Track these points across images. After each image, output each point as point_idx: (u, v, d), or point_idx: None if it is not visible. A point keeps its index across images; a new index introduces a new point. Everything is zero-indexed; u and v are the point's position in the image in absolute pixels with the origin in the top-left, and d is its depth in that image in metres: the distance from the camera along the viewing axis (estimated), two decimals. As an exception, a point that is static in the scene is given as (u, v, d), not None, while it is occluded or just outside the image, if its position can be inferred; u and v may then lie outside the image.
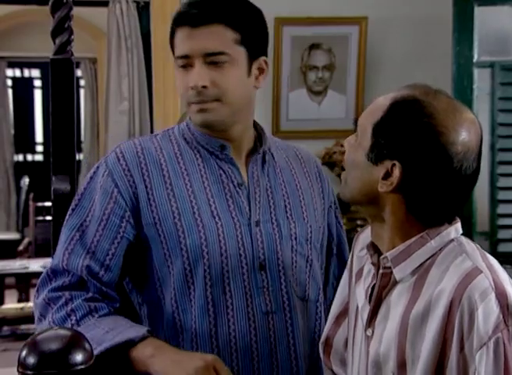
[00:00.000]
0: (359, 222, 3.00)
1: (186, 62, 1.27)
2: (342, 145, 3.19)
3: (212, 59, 1.26)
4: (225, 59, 1.26)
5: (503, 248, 3.08)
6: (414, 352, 1.04)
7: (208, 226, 1.27)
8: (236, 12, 1.27)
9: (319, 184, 1.43)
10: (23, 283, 4.95)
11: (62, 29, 1.52)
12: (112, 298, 1.27)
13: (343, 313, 1.26)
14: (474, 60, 2.99)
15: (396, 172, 1.05)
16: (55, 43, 1.53)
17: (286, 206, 1.35)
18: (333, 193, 1.45)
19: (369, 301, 1.13)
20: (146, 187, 1.27)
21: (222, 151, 1.32)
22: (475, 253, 1.07)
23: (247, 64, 1.28)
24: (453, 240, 1.09)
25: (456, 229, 1.10)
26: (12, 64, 7.14)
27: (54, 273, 1.29)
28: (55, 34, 1.52)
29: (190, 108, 1.30)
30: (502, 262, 1.10)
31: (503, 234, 3.11)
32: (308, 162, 1.44)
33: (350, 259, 1.26)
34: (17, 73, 7.39)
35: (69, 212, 1.30)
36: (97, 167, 1.32)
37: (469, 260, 1.05)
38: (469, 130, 1.06)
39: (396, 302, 1.08)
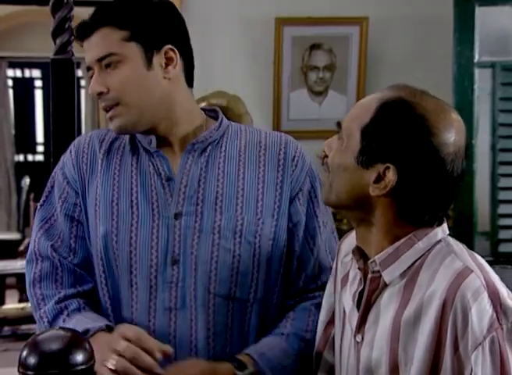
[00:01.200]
0: (360, 222, 3.00)
1: (92, 73, 1.28)
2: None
3: (105, 63, 1.25)
4: (116, 59, 1.25)
5: (503, 248, 3.07)
6: (407, 356, 1.04)
7: (122, 215, 1.28)
8: (117, 11, 1.26)
9: (279, 173, 1.32)
10: (24, 283, 4.94)
11: (62, 29, 1.52)
12: (85, 279, 1.32)
13: (332, 321, 1.25)
14: (475, 60, 2.98)
15: (390, 175, 1.04)
16: (55, 43, 1.53)
17: (217, 198, 1.28)
18: (310, 181, 1.36)
19: (357, 307, 1.12)
20: (85, 178, 1.34)
21: (151, 146, 1.32)
22: (463, 253, 1.07)
23: (145, 58, 1.26)
24: (440, 240, 1.08)
25: (442, 229, 1.10)
26: (13, 64, 7.14)
27: (30, 257, 1.36)
28: (55, 35, 1.52)
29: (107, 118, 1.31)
30: (502, 263, 1.10)
31: (503, 235, 3.11)
32: (271, 149, 1.34)
33: (334, 266, 1.25)
34: (18, 73, 7.39)
35: (40, 203, 1.41)
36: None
37: (458, 260, 1.04)
38: (458, 129, 1.06)
39: (387, 306, 1.07)
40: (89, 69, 1.28)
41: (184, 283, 1.25)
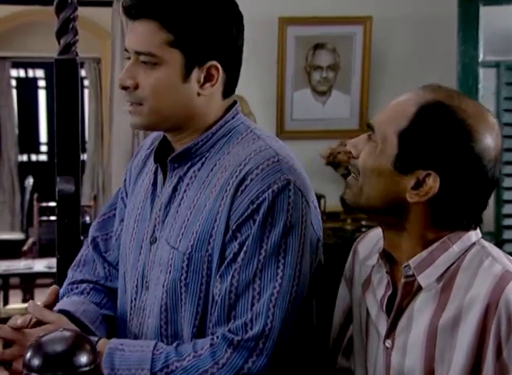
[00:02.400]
0: (364, 222, 2.99)
1: (128, 55, 1.18)
2: (346, 145, 3.18)
3: (142, 59, 1.15)
4: (153, 61, 1.14)
5: (508, 248, 3.06)
6: (444, 362, 1.02)
7: (127, 231, 1.28)
8: (172, 11, 1.14)
9: (222, 200, 1.14)
10: (28, 283, 4.95)
11: (66, 29, 1.51)
12: (112, 276, 1.33)
13: (347, 323, 1.24)
14: (480, 60, 2.97)
15: (430, 182, 1.02)
16: (59, 43, 1.52)
17: (172, 225, 1.19)
18: (263, 212, 1.12)
19: (386, 312, 1.10)
20: (130, 181, 1.34)
21: (153, 160, 1.26)
22: (501, 256, 1.06)
23: (183, 68, 1.15)
24: (474, 243, 1.07)
25: (476, 232, 1.08)
26: (17, 64, 7.13)
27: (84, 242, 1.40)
28: (59, 35, 1.52)
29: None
30: (508, 263, 1.11)
31: (508, 235, 3.10)
32: (232, 172, 1.15)
33: (349, 269, 1.23)
34: (21, 73, 7.38)
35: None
36: None
37: (497, 263, 1.03)
38: (497, 133, 1.05)
39: (421, 311, 1.05)
40: (126, 50, 1.19)
41: (150, 311, 1.21)
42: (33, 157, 7.54)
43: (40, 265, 4.55)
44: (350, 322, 1.23)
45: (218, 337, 1.11)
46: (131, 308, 1.25)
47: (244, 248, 1.11)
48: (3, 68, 6.88)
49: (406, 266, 1.07)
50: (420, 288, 1.06)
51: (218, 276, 1.13)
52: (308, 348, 1.25)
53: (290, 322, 1.12)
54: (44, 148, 7.53)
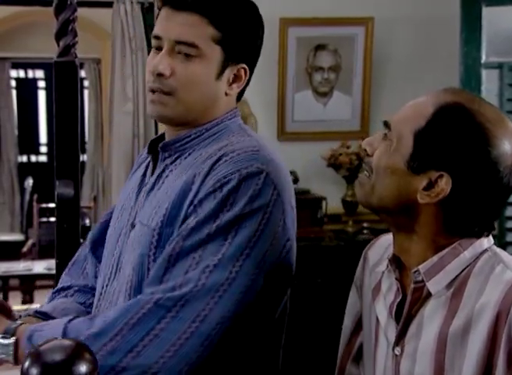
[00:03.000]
0: (365, 224, 2.97)
1: (158, 43, 1.18)
2: (348, 147, 3.19)
3: (181, 49, 1.16)
4: (194, 53, 1.16)
5: (511, 250, 3.05)
6: (454, 370, 1.00)
7: (114, 219, 1.29)
8: (224, 10, 1.18)
9: (197, 177, 1.16)
10: (27, 285, 4.93)
11: (66, 31, 1.50)
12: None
13: (357, 330, 1.22)
14: (482, 61, 2.95)
15: (443, 183, 1.01)
16: (58, 45, 1.51)
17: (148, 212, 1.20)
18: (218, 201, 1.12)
19: (395, 318, 1.08)
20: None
21: (145, 150, 1.29)
22: None
23: (220, 66, 1.18)
24: (486, 250, 1.05)
25: (488, 239, 1.06)
26: (16, 65, 7.12)
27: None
28: (59, 37, 1.50)
29: (148, 96, 1.21)
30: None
31: (511, 237, 3.08)
32: (211, 154, 1.18)
33: (359, 275, 1.21)
34: (21, 73, 7.37)
35: None
36: None
37: (509, 270, 1.01)
38: None
39: (430, 318, 1.03)
40: (157, 38, 1.18)
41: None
42: (33, 158, 7.53)
43: (40, 266, 4.54)
44: (360, 329, 1.21)
45: (137, 298, 1.08)
46: (101, 294, 1.23)
47: (197, 219, 1.10)
48: (3, 68, 6.87)
49: (415, 272, 1.05)
50: (429, 295, 1.04)
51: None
52: (267, 363, 1.21)
53: (226, 307, 1.07)
54: (43, 149, 7.51)
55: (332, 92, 3.13)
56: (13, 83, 7.17)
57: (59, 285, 1.36)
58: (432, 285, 1.04)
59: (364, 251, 1.23)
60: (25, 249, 5.39)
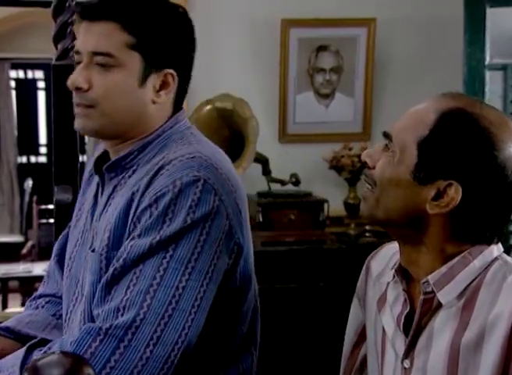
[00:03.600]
0: (368, 227, 2.94)
1: (79, 58, 1.16)
2: (350, 149, 3.17)
3: (98, 60, 1.13)
4: (112, 62, 1.13)
5: (514, 253, 3.02)
6: None
7: (70, 243, 1.27)
8: (135, 14, 1.14)
9: (136, 195, 1.13)
10: (27, 287, 4.91)
11: (64, 34, 1.47)
12: None
13: (359, 343, 1.20)
14: (486, 62, 2.92)
15: (452, 192, 0.98)
16: (56, 48, 1.48)
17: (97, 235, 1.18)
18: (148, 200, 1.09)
19: (403, 330, 1.05)
20: (80, 195, 1.35)
21: (91, 168, 1.27)
22: None
23: (142, 73, 1.14)
24: (496, 258, 1.02)
25: (497, 247, 1.04)
26: (16, 65, 7.10)
27: None
28: (57, 39, 1.48)
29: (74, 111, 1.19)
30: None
31: (515, 240, 3.06)
32: (148, 170, 1.14)
33: (361, 285, 1.19)
34: (21, 74, 7.34)
35: None
36: None
37: None
38: None
39: (441, 329, 1.01)
40: (78, 53, 1.17)
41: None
42: (33, 159, 7.50)
43: (40, 268, 4.52)
44: (362, 341, 1.19)
45: (88, 327, 1.04)
46: (65, 321, 1.21)
47: (136, 234, 1.07)
48: (2, 69, 6.84)
49: (425, 282, 1.02)
50: (440, 306, 1.02)
51: None
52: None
53: (179, 325, 1.03)
54: (43, 150, 7.48)
55: (334, 94, 3.11)
56: (13, 83, 7.15)
57: (33, 295, 1.36)
58: (443, 296, 1.01)
59: (366, 262, 1.20)
60: (25, 251, 5.38)
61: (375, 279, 1.15)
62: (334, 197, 2.98)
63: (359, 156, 2.92)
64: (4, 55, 6.71)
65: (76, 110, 1.17)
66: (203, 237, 1.07)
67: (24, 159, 7.40)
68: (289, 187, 2.95)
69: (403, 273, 1.07)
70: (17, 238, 6.30)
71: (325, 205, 2.85)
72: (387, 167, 1.03)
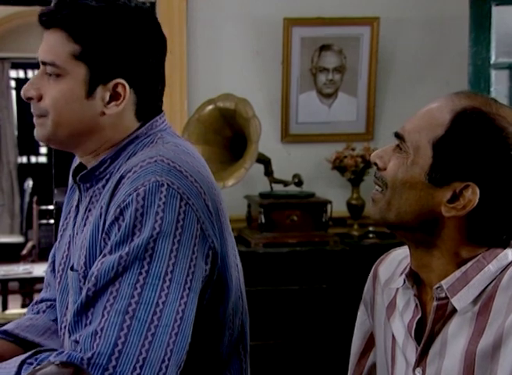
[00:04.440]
0: (371, 228, 2.91)
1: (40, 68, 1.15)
2: (353, 149, 3.14)
3: (48, 69, 1.11)
4: (58, 72, 1.10)
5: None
6: None
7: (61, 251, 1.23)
8: (81, 22, 1.09)
9: (103, 208, 1.09)
10: (27, 288, 4.88)
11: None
12: None
13: (366, 351, 1.17)
14: (492, 62, 2.89)
15: (469, 194, 0.96)
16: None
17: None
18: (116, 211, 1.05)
19: (415, 337, 1.02)
20: (66, 199, 1.32)
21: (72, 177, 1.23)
22: None
23: (87, 84, 1.10)
24: (511, 262, 1.00)
25: None
26: (16, 65, 7.08)
27: None
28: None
29: None
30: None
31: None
32: (113, 180, 1.11)
33: (369, 292, 1.16)
34: (21, 74, 7.32)
35: None
36: None
37: None
38: None
39: (455, 336, 0.98)
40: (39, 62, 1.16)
41: None
42: (33, 159, 7.48)
43: (40, 269, 4.49)
44: (370, 348, 1.16)
45: (70, 357, 0.98)
46: (59, 335, 1.19)
47: (107, 251, 1.02)
48: (2, 69, 6.82)
49: (438, 288, 0.99)
50: (454, 311, 0.99)
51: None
52: None
53: (163, 343, 0.97)
54: (43, 150, 7.47)
55: (337, 93, 3.08)
56: (13, 83, 7.13)
57: (35, 300, 1.34)
58: (457, 301, 0.98)
59: (373, 268, 1.17)
60: (25, 251, 5.35)
61: (384, 285, 1.12)
62: (337, 198, 2.95)
63: (362, 156, 2.91)
64: (4, 55, 6.69)
65: (34, 120, 1.16)
66: (175, 246, 1.02)
67: (24, 159, 7.38)
68: (292, 188, 2.92)
69: (413, 278, 1.04)
70: (17, 239, 6.28)
71: (328, 206, 2.82)
72: (400, 168, 1.00)
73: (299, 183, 2.90)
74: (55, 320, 1.26)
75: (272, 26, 2.95)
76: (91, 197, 1.15)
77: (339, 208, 2.94)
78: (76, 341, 1.00)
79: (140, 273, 1.00)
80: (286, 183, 2.91)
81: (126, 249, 1.00)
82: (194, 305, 1.03)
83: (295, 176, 2.91)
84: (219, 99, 2.79)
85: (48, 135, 1.14)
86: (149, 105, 1.16)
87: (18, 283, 4.93)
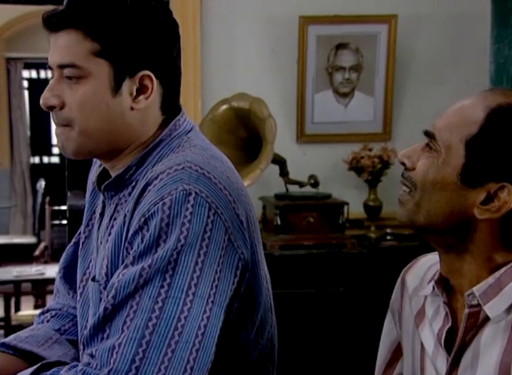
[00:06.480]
0: (389, 230, 2.86)
1: (52, 74, 1.08)
2: (370, 149, 3.08)
3: (66, 73, 1.05)
4: (78, 73, 1.04)
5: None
6: None
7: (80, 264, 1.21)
8: (96, 19, 1.04)
9: (127, 216, 1.05)
10: (40, 289, 4.87)
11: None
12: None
13: (393, 361, 1.12)
14: (513, 59, 2.83)
15: (505, 195, 0.91)
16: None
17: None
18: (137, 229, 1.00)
19: (445, 347, 0.97)
20: (88, 202, 1.30)
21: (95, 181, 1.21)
22: None
23: (113, 81, 1.05)
24: None
25: None
26: (29, 65, 7.09)
27: None
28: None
29: None
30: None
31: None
32: (138, 187, 1.06)
33: (396, 301, 1.11)
34: (33, 74, 7.33)
35: None
36: None
37: None
38: None
39: (489, 346, 0.93)
40: (50, 68, 1.09)
41: None
42: (46, 159, 7.48)
43: (52, 270, 4.47)
44: (397, 359, 1.12)
45: (84, 373, 0.93)
46: (80, 348, 1.13)
47: (129, 262, 0.97)
48: (15, 69, 6.83)
49: (469, 295, 0.95)
50: (486, 320, 0.94)
51: None
52: None
53: (183, 360, 0.92)
54: (56, 150, 7.47)
55: (354, 93, 3.03)
56: (25, 83, 7.14)
57: (44, 308, 1.32)
58: (490, 309, 0.93)
59: (401, 276, 1.12)
60: (37, 252, 5.34)
61: (412, 293, 1.08)
62: (354, 199, 2.91)
63: (379, 157, 2.86)
64: (16, 55, 6.70)
65: (56, 130, 1.09)
66: (201, 258, 0.96)
67: (37, 160, 7.39)
68: (308, 189, 2.87)
69: (443, 285, 1.00)
70: (30, 239, 6.27)
71: (345, 208, 2.78)
72: (430, 168, 0.96)
73: (315, 185, 2.86)
74: (59, 330, 1.23)
75: (288, 25, 2.90)
76: (117, 205, 1.09)
77: (355, 209, 2.89)
78: (92, 355, 0.95)
79: (162, 287, 0.95)
80: (301, 185, 2.86)
81: (149, 261, 0.95)
82: (219, 320, 0.97)
83: (311, 177, 2.87)
84: (234, 99, 2.74)
85: (76, 149, 1.08)
86: (173, 99, 1.12)
87: (31, 284, 4.92)
